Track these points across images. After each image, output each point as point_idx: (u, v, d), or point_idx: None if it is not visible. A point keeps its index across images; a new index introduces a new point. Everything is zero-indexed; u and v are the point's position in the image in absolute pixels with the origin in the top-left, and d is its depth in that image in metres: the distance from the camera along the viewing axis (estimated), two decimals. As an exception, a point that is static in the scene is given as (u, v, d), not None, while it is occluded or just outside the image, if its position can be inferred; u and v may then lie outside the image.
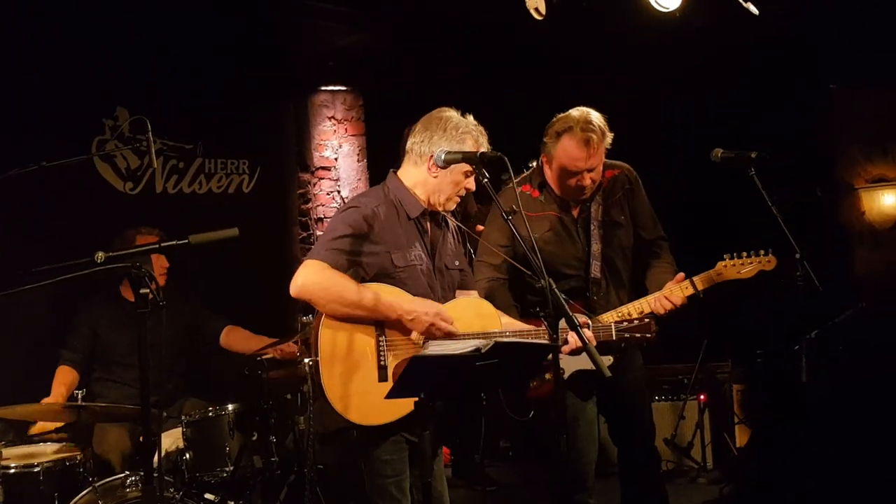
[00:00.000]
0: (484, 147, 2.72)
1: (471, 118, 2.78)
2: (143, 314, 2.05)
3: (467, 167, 2.68)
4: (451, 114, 2.75)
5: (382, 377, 2.59)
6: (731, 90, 5.43)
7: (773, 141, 4.06)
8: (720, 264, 3.21)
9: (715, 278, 3.20)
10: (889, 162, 5.82)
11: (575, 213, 3.34)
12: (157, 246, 2.17)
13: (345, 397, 2.55)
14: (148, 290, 2.02)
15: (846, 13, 5.31)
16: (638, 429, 3.42)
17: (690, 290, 3.18)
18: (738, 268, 3.19)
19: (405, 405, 2.50)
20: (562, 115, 3.26)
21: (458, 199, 2.79)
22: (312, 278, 2.56)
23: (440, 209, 2.78)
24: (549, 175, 3.31)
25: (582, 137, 3.15)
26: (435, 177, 2.72)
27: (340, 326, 2.58)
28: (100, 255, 2.02)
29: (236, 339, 4.24)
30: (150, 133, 3.23)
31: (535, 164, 3.45)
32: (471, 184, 2.75)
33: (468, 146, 2.69)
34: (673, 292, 3.17)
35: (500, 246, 3.25)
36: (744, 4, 4.87)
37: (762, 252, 3.21)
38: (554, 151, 3.22)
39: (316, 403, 2.93)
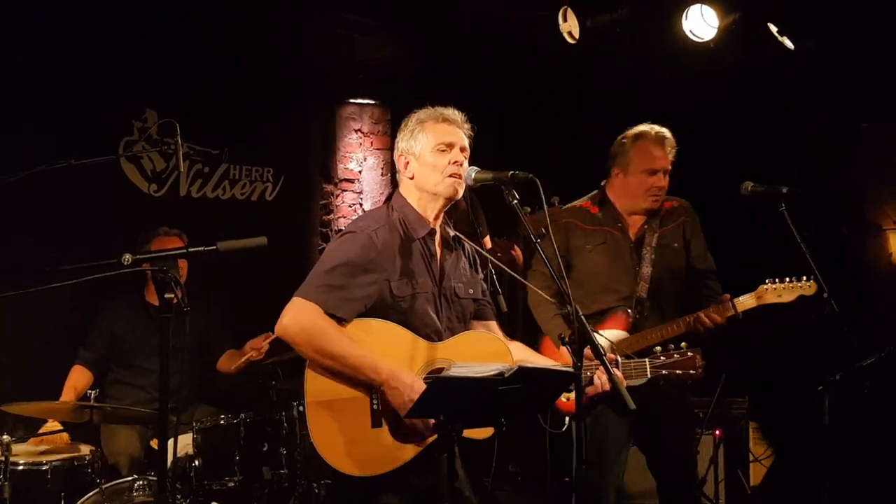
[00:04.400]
0: (452, 117, 2.58)
1: (434, 108, 2.62)
2: (166, 319, 2.02)
3: (435, 142, 2.54)
4: (412, 114, 2.64)
5: (376, 423, 2.39)
6: (761, 124, 5.38)
7: (802, 177, 4.02)
8: (761, 287, 3.28)
9: (755, 301, 3.27)
10: (919, 204, 5.74)
11: (632, 234, 3.47)
12: (184, 251, 2.14)
13: (335, 446, 2.35)
14: (173, 295, 1.99)
15: (881, 51, 5.26)
16: (675, 467, 3.44)
17: (731, 312, 3.25)
18: (780, 292, 3.26)
19: (404, 453, 2.37)
20: (628, 131, 3.47)
21: (456, 179, 2.55)
22: (297, 321, 2.38)
23: (447, 200, 2.57)
24: (619, 188, 3.48)
25: (657, 137, 3.42)
26: (411, 177, 2.60)
27: (325, 369, 2.39)
28: (127, 258, 1.99)
29: (226, 360, 4.23)
30: (179, 137, 3.24)
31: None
32: (456, 157, 2.55)
33: (429, 130, 2.56)
34: (713, 312, 3.24)
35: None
36: (779, 38, 4.86)
37: (804, 278, 3.25)
38: (630, 155, 3.43)
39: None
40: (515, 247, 4.14)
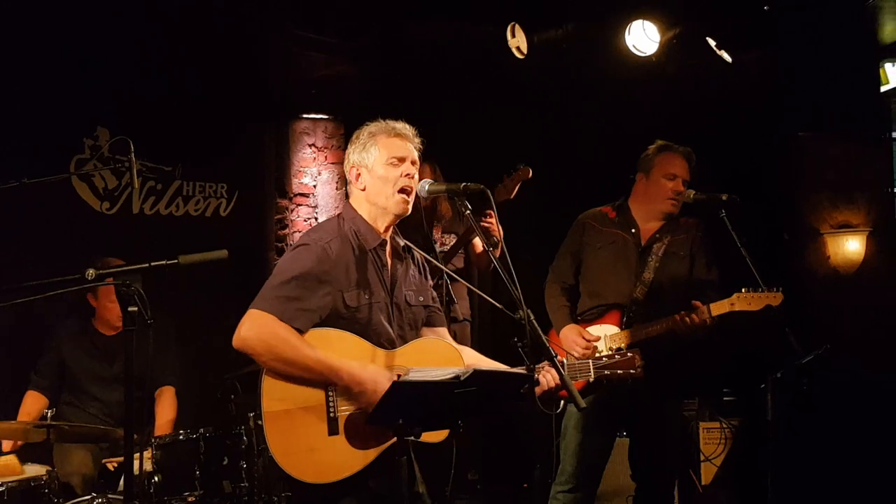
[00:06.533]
0: (403, 131, 2.65)
1: (386, 121, 2.68)
2: (130, 332, 2.06)
3: (387, 155, 2.60)
4: (363, 127, 2.70)
5: (333, 430, 2.42)
6: (702, 135, 5.57)
7: (743, 185, 4.19)
8: (735, 295, 3.44)
9: (728, 307, 3.43)
10: (854, 208, 5.99)
11: (642, 240, 3.68)
12: (147, 265, 2.18)
13: (292, 455, 2.38)
14: (136, 308, 2.03)
15: (815, 62, 5.50)
16: (655, 471, 3.65)
17: (706, 315, 3.43)
18: (750, 300, 3.42)
19: (361, 458, 2.41)
20: (651, 147, 3.79)
21: (407, 194, 2.61)
22: (256, 332, 2.39)
23: (399, 214, 2.63)
24: (641, 192, 3.72)
25: (679, 149, 3.73)
26: (363, 188, 2.65)
27: (285, 377, 2.42)
28: (90, 273, 2.03)
29: (158, 403, 4.20)
30: (133, 154, 3.26)
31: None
32: (407, 170, 2.62)
33: (381, 144, 2.62)
34: (693, 313, 3.42)
35: (569, 253, 3.79)
36: (717, 52, 5.05)
37: (774, 289, 3.44)
38: (653, 161, 3.71)
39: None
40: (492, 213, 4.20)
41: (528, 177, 4.24)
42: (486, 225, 3.97)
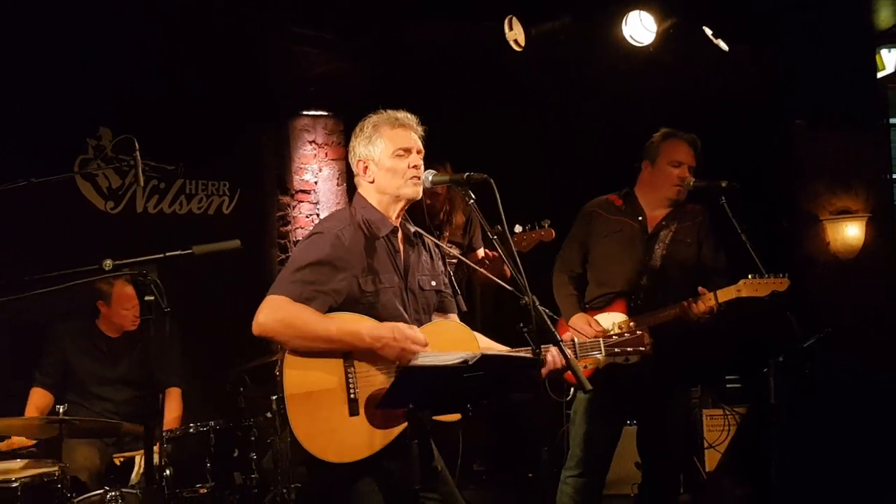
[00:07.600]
0: (406, 121, 2.69)
1: (387, 112, 2.72)
2: (148, 321, 2.10)
3: (393, 147, 2.64)
4: (365, 119, 2.74)
5: (353, 411, 2.48)
6: (700, 124, 5.60)
7: (742, 173, 4.22)
8: (741, 282, 3.46)
9: (734, 293, 3.45)
10: (852, 195, 6.03)
11: (649, 227, 3.69)
12: (162, 255, 2.22)
13: (315, 436, 2.44)
14: (153, 297, 2.07)
15: (812, 50, 5.54)
16: (660, 458, 3.68)
17: (713, 302, 3.44)
18: (756, 286, 3.44)
19: (381, 439, 2.46)
20: (655, 134, 3.79)
21: (416, 181, 2.66)
22: (274, 315, 2.45)
23: (408, 201, 2.68)
24: (647, 179, 3.73)
25: (684, 136, 3.75)
26: (371, 181, 2.68)
27: (305, 361, 2.47)
28: (107, 263, 2.07)
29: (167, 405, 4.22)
30: (138, 152, 3.30)
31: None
32: (414, 161, 2.67)
33: (386, 136, 2.65)
34: (700, 300, 3.44)
35: (577, 242, 3.80)
36: (714, 41, 5.09)
37: (780, 274, 3.45)
38: (659, 149, 3.72)
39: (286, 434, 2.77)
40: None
41: (551, 238, 4.18)
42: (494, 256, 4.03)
